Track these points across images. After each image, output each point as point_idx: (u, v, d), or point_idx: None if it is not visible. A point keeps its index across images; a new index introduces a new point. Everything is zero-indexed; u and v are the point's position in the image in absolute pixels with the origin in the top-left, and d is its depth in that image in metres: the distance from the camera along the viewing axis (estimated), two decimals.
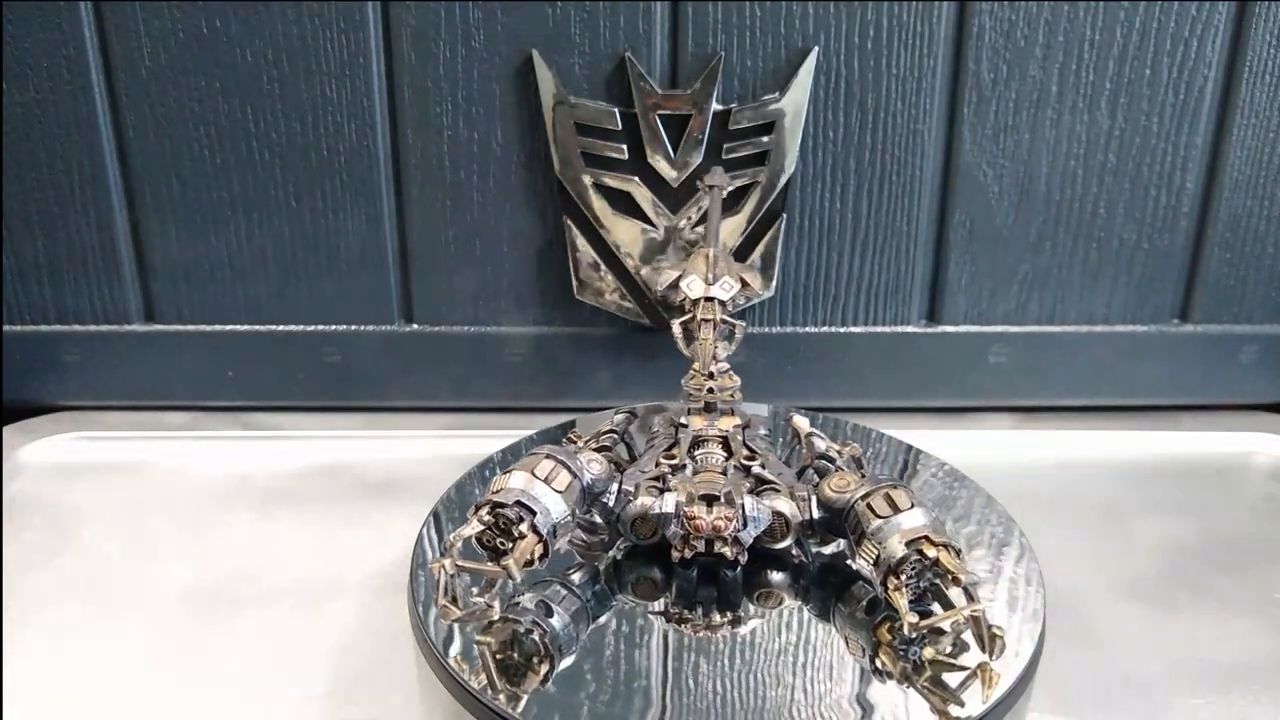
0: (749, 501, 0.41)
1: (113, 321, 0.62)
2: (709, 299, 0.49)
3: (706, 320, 0.49)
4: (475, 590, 0.39)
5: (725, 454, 0.44)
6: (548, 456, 0.41)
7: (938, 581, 0.38)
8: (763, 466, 0.43)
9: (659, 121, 0.56)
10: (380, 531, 0.55)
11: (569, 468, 0.41)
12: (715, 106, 0.56)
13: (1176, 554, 0.54)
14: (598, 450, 0.45)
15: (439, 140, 0.58)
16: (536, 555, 0.39)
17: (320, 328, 0.62)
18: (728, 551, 0.40)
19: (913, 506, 0.39)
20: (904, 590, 0.38)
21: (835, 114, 0.58)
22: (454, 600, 0.38)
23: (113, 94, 0.57)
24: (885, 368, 0.63)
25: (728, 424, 0.45)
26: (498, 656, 0.38)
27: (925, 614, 0.38)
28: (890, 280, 0.61)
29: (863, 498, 0.40)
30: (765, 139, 0.57)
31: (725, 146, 0.57)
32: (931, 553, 0.38)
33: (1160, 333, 0.63)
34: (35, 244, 0.60)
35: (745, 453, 0.44)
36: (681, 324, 0.49)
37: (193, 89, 0.57)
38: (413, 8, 0.56)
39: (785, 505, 0.42)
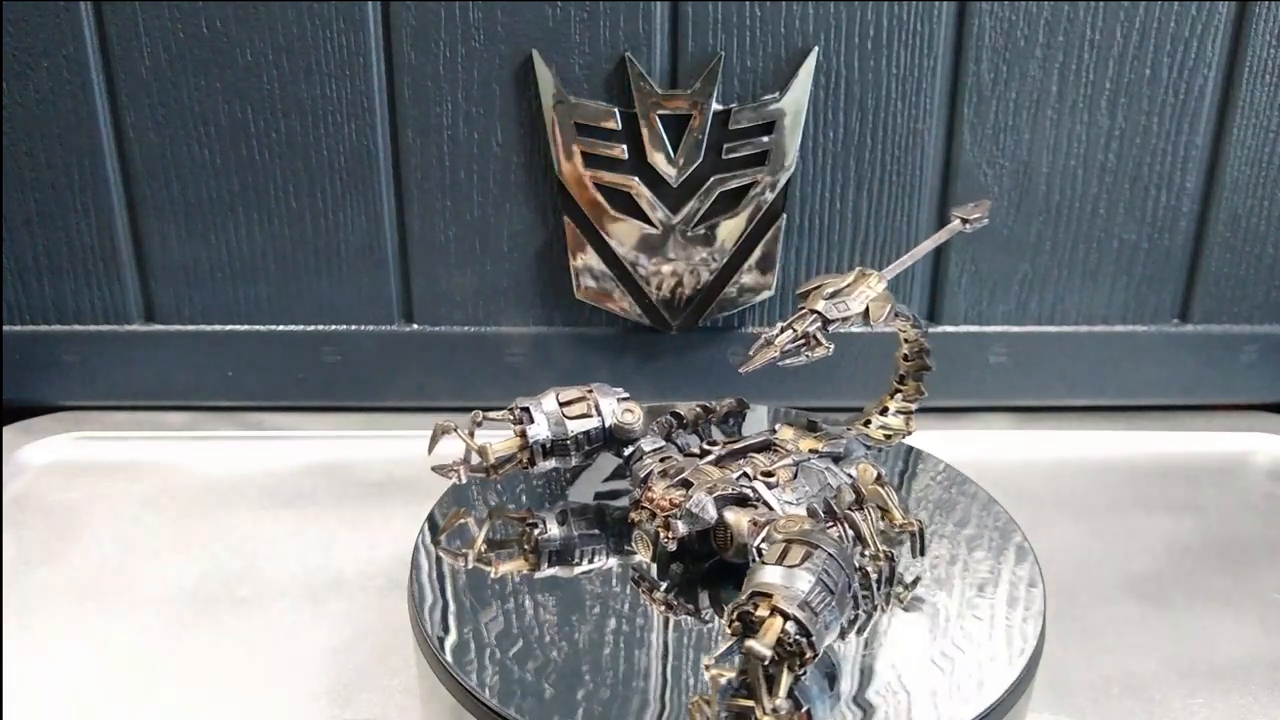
0: (701, 498, 0.41)
1: (113, 321, 0.62)
2: (813, 310, 0.47)
3: (791, 327, 0.46)
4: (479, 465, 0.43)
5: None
6: (585, 389, 0.44)
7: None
8: (770, 487, 0.43)
9: (659, 121, 0.56)
10: (380, 531, 0.55)
11: (594, 405, 0.44)
12: (715, 106, 0.56)
13: (1176, 553, 0.54)
14: (671, 415, 0.46)
15: (439, 140, 0.58)
16: (524, 459, 0.43)
17: (320, 328, 0.62)
18: (662, 532, 0.41)
19: (800, 567, 0.36)
20: (730, 637, 0.35)
21: (835, 114, 0.58)
22: (465, 460, 0.43)
23: (113, 94, 0.57)
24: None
25: (806, 445, 0.45)
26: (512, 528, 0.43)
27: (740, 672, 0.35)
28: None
29: (781, 539, 0.38)
30: (765, 139, 0.57)
31: (725, 146, 0.57)
32: (762, 613, 0.34)
33: (1160, 333, 0.63)
34: (35, 244, 0.60)
35: (779, 471, 0.43)
36: (782, 325, 0.45)
37: (193, 89, 0.57)
38: (413, 7, 0.56)
39: (742, 523, 0.41)
